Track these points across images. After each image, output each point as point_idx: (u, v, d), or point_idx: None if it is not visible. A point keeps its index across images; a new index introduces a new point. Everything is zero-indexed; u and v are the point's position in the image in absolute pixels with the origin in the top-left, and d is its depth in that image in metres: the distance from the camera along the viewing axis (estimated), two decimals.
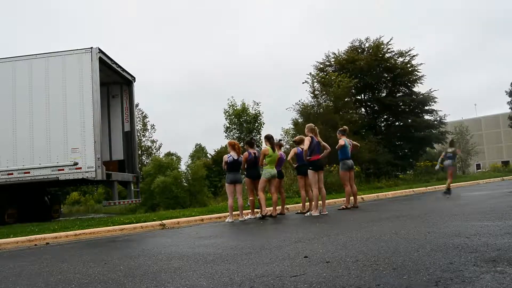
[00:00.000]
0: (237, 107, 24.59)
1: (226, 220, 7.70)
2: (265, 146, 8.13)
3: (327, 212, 7.63)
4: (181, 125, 76.97)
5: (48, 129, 10.60)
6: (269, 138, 8.03)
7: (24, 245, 6.16)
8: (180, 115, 79.33)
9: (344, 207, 8.34)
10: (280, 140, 9.00)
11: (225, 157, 7.84)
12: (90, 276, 3.22)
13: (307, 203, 8.35)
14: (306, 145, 7.63)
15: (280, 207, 8.52)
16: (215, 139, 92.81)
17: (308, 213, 7.75)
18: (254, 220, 7.53)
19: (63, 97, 10.66)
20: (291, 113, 29.94)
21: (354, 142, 9.06)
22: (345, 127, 9.10)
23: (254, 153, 8.01)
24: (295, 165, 8.50)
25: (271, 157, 7.77)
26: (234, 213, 7.73)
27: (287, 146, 20.78)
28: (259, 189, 7.83)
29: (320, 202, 7.68)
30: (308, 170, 7.71)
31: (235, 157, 7.76)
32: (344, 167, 8.53)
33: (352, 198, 8.71)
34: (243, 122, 24.37)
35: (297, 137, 8.90)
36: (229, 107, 24.82)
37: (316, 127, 8.05)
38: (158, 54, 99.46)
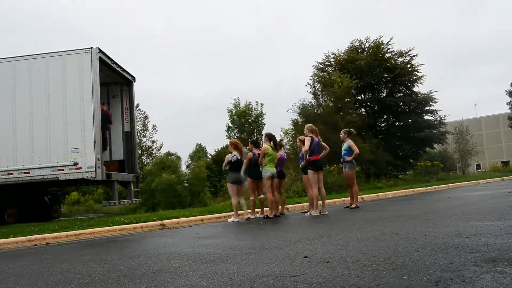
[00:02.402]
0: (241, 108, 24.65)
1: (230, 219, 7.64)
2: (264, 144, 8.12)
3: (327, 212, 7.65)
4: (203, 131, 78.95)
5: (48, 129, 10.59)
6: (271, 137, 8.03)
7: (24, 245, 6.16)
8: (204, 122, 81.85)
9: (355, 205, 8.52)
10: (281, 140, 8.98)
11: (229, 157, 7.83)
12: (90, 276, 3.22)
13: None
14: (306, 145, 7.65)
15: (280, 207, 8.52)
16: (216, 140, 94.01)
17: (308, 213, 7.76)
18: (254, 220, 7.53)
19: (63, 97, 10.65)
20: (290, 114, 29.90)
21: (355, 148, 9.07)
22: (350, 129, 9.30)
23: (259, 154, 8.03)
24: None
25: (270, 156, 7.77)
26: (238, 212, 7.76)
27: (287, 147, 20.79)
28: (266, 190, 7.79)
29: (320, 202, 7.71)
30: (308, 170, 7.73)
31: (239, 157, 7.78)
32: (353, 167, 8.77)
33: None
34: (245, 122, 24.40)
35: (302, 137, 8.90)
36: (234, 107, 24.89)
37: (316, 128, 8.09)
38: (198, 72, 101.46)
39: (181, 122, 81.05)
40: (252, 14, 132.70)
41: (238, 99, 25.28)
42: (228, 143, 8.38)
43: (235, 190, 7.74)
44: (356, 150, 8.58)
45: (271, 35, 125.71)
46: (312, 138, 7.72)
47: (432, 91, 22.90)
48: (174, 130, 77.13)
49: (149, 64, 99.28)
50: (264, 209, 8.18)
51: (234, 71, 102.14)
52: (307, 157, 7.67)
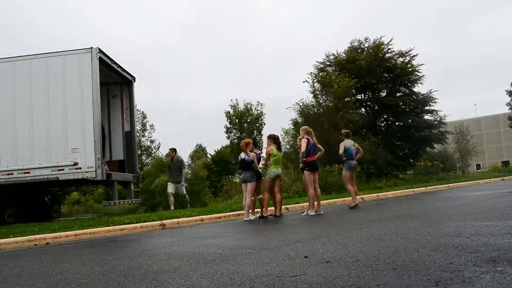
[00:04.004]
0: (239, 108, 24.68)
1: (244, 218, 7.68)
2: (267, 146, 8.18)
3: (322, 212, 7.76)
4: (208, 134, 79.69)
5: (48, 129, 10.59)
6: (274, 138, 8.09)
7: (24, 245, 6.16)
8: (211, 127, 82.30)
9: (354, 204, 8.53)
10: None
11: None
12: (90, 276, 3.22)
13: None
14: (303, 147, 7.72)
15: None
16: (215, 140, 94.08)
17: (304, 213, 7.81)
18: (254, 220, 7.54)
19: (63, 97, 10.64)
20: (291, 113, 29.86)
21: (358, 146, 9.12)
22: (347, 130, 9.28)
23: (258, 154, 8.12)
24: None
25: (275, 157, 7.83)
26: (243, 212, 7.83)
27: (287, 147, 20.80)
28: (264, 189, 7.87)
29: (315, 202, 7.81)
30: (304, 171, 7.81)
31: (242, 157, 7.87)
32: (347, 167, 8.77)
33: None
34: (244, 122, 24.43)
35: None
36: (231, 108, 24.91)
37: (311, 130, 8.16)
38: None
39: (190, 127, 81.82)
40: (271, 29, 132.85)
41: (236, 99, 25.31)
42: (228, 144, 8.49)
43: (244, 189, 7.83)
44: (340, 151, 8.75)
45: (289, 51, 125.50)
46: (308, 139, 7.78)
47: (432, 91, 22.90)
48: (181, 134, 77.74)
49: (171, 73, 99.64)
50: (267, 209, 8.19)
51: (249, 82, 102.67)
52: (304, 159, 7.75)
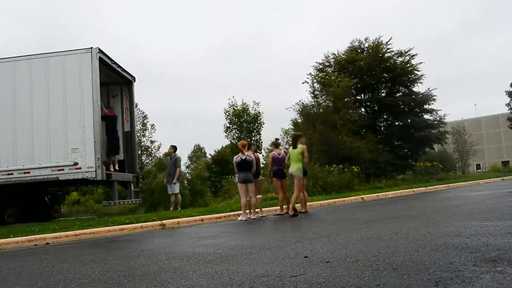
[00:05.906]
0: (238, 107, 24.64)
1: (239, 218, 7.77)
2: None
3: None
4: (211, 136, 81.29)
5: (48, 129, 10.58)
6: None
7: (24, 245, 6.15)
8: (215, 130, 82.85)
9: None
10: (277, 139, 9.01)
11: (234, 158, 8.08)
12: (90, 276, 3.22)
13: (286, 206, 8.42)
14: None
15: (278, 207, 8.58)
16: (215, 140, 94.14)
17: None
18: (254, 220, 7.55)
19: (63, 97, 10.64)
20: (291, 113, 29.78)
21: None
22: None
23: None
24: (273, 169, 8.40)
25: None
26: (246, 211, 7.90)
27: (287, 146, 20.81)
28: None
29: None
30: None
31: (243, 157, 7.88)
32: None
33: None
34: (243, 122, 24.39)
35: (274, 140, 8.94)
36: (230, 107, 24.85)
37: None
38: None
39: (196, 131, 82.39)
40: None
41: (233, 97, 25.24)
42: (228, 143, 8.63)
43: (243, 190, 7.84)
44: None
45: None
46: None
47: (431, 89, 22.87)
48: (186, 136, 77.82)
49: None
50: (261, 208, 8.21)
51: (260, 93, 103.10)
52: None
